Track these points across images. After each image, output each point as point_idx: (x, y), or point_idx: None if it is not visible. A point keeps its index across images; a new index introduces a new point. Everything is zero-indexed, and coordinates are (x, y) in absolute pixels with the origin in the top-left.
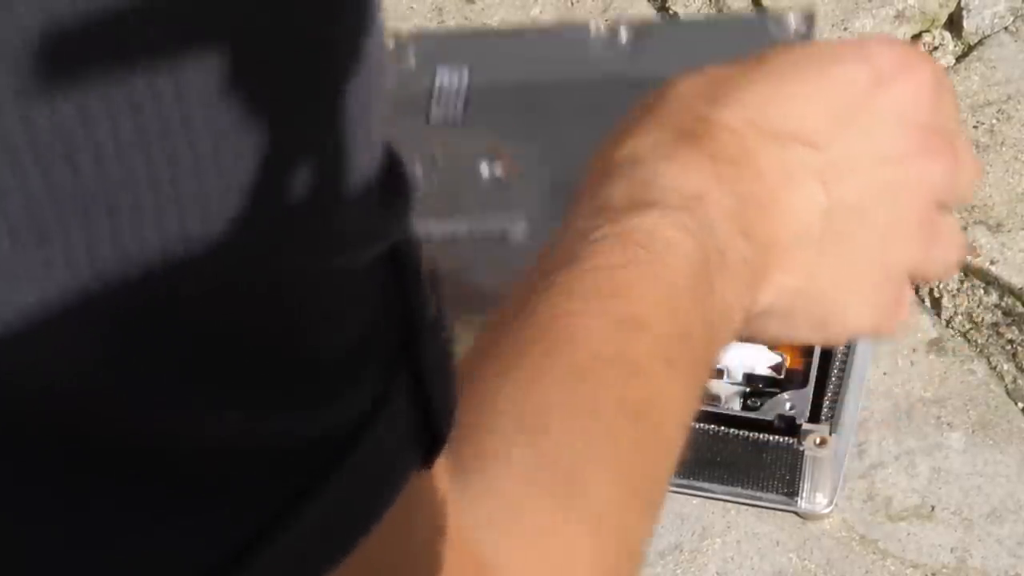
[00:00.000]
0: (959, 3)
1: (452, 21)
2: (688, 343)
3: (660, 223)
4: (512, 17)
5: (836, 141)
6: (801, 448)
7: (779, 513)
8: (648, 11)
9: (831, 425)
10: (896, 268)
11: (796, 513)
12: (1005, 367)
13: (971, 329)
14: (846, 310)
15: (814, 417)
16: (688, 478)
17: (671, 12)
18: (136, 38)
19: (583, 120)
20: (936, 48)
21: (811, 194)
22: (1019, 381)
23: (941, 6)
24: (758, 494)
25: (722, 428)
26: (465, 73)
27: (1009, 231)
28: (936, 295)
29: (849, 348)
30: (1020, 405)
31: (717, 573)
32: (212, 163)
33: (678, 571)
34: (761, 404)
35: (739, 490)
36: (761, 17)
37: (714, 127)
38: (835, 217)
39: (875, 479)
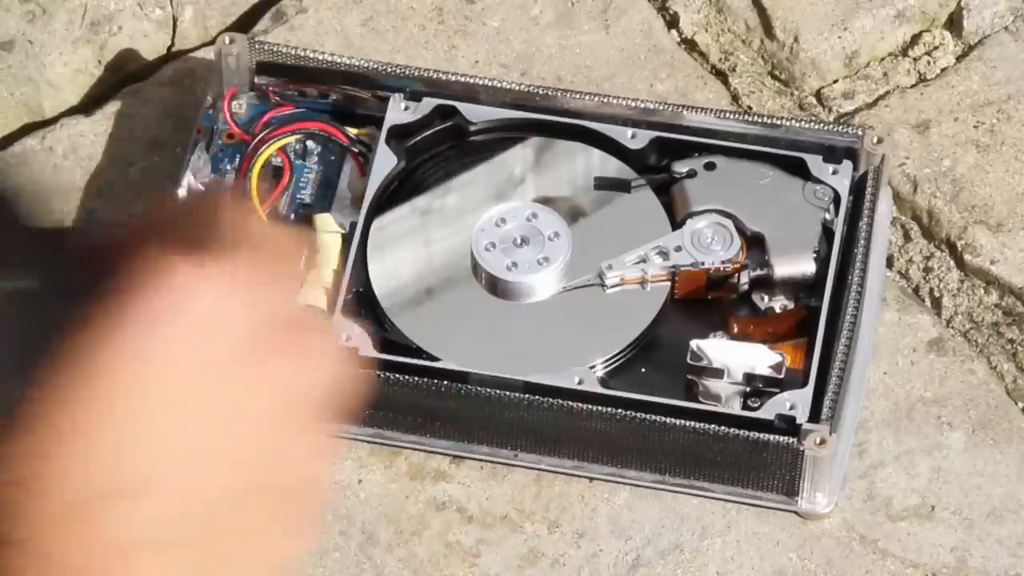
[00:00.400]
0: (959, 3)
1: (452, 21)
2: None
3: None
4: (512, 17)
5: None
6: (801, 448)
7: (779, 513)
8: (648, 12)
9: (831, 425)
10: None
11: (796, 513)
12: (1005, 367)
13: (971, 329)
14: None
15: (814, 417)
16: (688, 478)
17: (671, 12)
18: None
19: None
20: (936, 48)
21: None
22: (1019, 381)
23: (941, 6)
24: (758, 494)
25: (722, 428)
26: None
27: (1009, 231)
28: (936, 295)
29: (849, 348)
30: (1020, 405)
31: (717, 573)
32: None
33: (678, 571)
34: (761, 404)
35: (739, 490)
36: None
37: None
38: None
39: (875, 479)
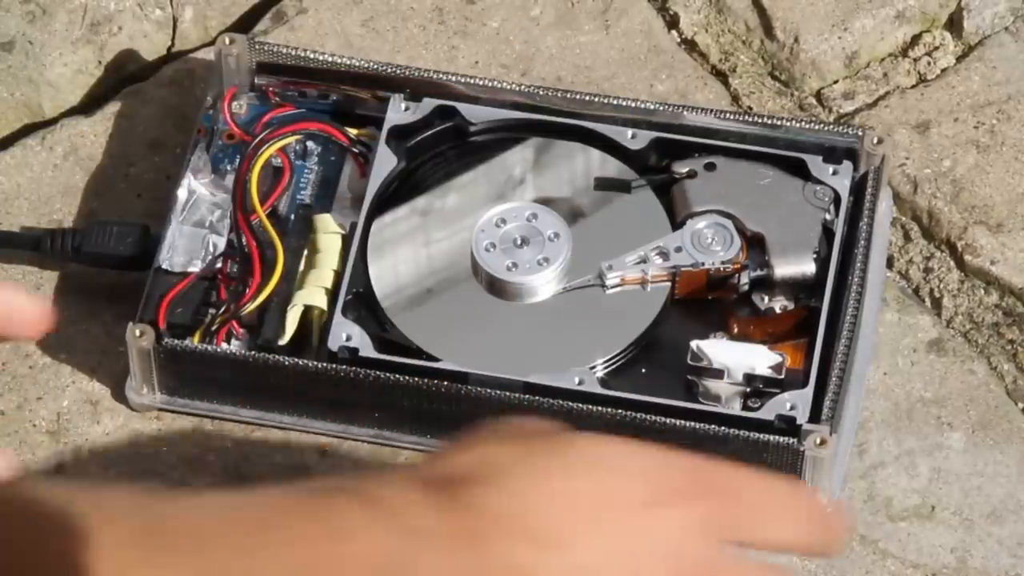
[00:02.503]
0: (959, 3)
1: (452, 21)
2: None
3: None
4: (512, 17)
5: (584, 550)
6: (801, 448)
7: None
8: (648, 12)
9: (831, 425)
10: None
11: None
12: (1005, 367)
13: (971, 329)
14: None
15: (814, 417)
16: None
17: (671, 12)
18: None
19: None
20: (936, 48)
21: None
22: (1019, 381)
23: (941, 6)
24: None
25: (722, 428)
26: None
27: (1009, 231)
28: (936, 295)
29: (849, 348)
30: (1020, 405)
31: None
32: None
33: None
34: (761, 404)
35: None
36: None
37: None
38: None
39: (875, 479)
